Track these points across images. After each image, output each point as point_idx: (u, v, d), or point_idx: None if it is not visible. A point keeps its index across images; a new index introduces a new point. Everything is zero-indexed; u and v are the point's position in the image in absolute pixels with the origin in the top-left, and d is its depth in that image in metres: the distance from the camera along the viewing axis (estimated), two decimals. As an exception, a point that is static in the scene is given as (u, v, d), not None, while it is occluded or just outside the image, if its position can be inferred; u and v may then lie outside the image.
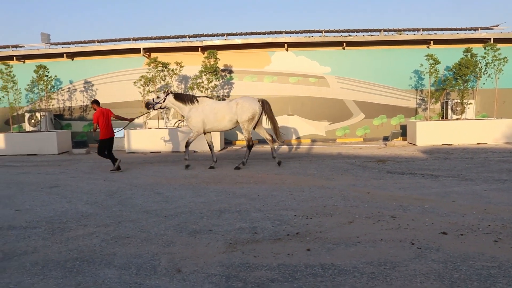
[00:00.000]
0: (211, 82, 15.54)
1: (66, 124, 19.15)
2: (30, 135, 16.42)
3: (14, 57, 19.26)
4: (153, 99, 11.34)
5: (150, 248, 4.70)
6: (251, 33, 18.75)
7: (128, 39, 20.04)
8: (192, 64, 17.30)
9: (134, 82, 16.04)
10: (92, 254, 4.60)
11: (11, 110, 17.63)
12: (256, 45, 17.71)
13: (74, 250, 4.76)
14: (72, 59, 19.12)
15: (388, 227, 5.19)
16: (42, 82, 17.12)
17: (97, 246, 4.85)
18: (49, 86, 17.49)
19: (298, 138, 17.77)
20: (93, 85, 18.82)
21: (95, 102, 11.09)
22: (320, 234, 4.99)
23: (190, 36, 19.39)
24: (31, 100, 18.76)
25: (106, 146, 10.97)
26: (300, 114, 17.66)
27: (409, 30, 17.73)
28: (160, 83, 16.05)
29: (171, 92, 11.15)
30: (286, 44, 17.48)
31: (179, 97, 11.06)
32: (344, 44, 17.35)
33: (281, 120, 17.52)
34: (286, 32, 18.11)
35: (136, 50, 18.17)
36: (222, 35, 19.22)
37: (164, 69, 15.61)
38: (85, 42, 20.56)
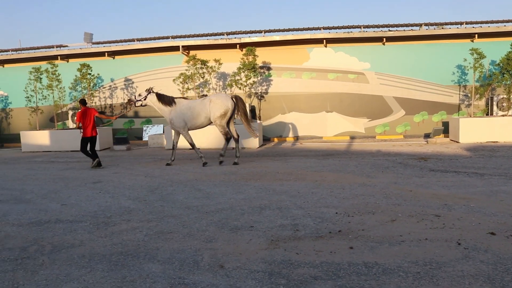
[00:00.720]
0: (250, 79, 15.57)
1: (107, 121, 19.61)
2: (73, 132, 16.90)
3: (59, 57, 19.87)
4: (135, 96, 11.61)
5: (193, 243, 4.76)
6: (289, 30, 18.69)
7: (167, 37, 20.33)
8: (231, 61, 17.38)
9: (173, 80, 16.27)
10: (136, 248, 4.69)
11: (55, 107, 18.21)
12: (294, 42, 17.64)
13: (118, 244, 4.86)
14: (113, 58, 19.57)
15: (432, 226, 5.06)
16: (85, 80, 17.60)
17: (141, 241, 4.94)
18: (91, 84, 17.95)
19: (337, 135, 17.60)
20: (133, 82, 19.20)
21: (82, 101, 11.54)
22: (363, 232, 4.93)
23: (228, 34, 19.50)
24: (74, 98, 19.29)
25: (87, 143, 11.46)
26: (338, 110, 17.48)
27: (451, 23, 17.26)
28: (199, 80, 16.22)
29: (152, 91, 11.37)
30: (324, 40, 17.33)
31: (161, 98, 11.28)
32: (384, 39, 17.05)
33: (320, 117, 17.41)
34: (324, 28, 17.96)
35: (175, 48, 18.41)
36: (260, 32, 19.23)
37: (203, 66, 15.75)
38: (125, 40, 21.00)
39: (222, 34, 19.85)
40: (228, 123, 10.97)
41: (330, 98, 17.47)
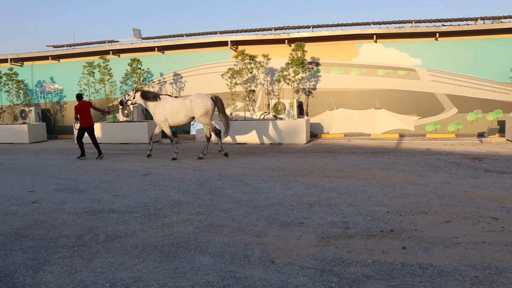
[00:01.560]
0: (298, 74, 15.47)
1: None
2: (124, 125, 17.38)
3: (110, 52, 20.41)
4: (124, 96, 12.47)
5: (243, 238, 4.79)
6: (338, 25, 18.43)
7: (215, 32, 20.48)
8: (279, 57, 17.32)
9: (222, 75, 16.37)
10: (187, 240, 4.77)
11: (107, 101, 18.74)
12: (343, 37, 17.37)
13: (169, 236, 4.96)
14: (163, 53, 19.91)
15: (490, 229, 4.88)
16: (135, 74, 18.02)
17: (191, 233, 5.02)
18: (141, 79, 18.36)
19: (386, 132, 17.23)
20: (182, 77, 19.48)
21: (78, 96, 12.69)
22: (416, 232, 4.81)
23: (276, 29, 19.42)
24: (124, 91, 19.76)
25: (83, 134, 12.52)
26: (388, 107, 17.11)
27: (510, 17, 16.51)
28: (247, 75, 16.26)
29: (139, 90, 12.26)
30: (375, 36, 16.97)
31: (144, 94, 12.15)
32: (437, 34, 16.52)
33: (368, 114, 17.11)
34: (374, 23, 17.59)
35: (223, 43, 18.52)
36: (308, 27, 19.05)
37: (251, 61, 15.78)
38: (174, 36, 21.31)
39: (270, 29, 19.80)
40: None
41: (379, 95, 17.11)
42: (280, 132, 14.97)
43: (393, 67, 16.96)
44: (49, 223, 5.70)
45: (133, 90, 12.32)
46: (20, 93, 20.85)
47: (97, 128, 17.47)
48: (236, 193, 7.11)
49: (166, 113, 11.75)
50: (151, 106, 12.02)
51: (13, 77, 20.52)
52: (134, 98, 12.19)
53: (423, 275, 3.66)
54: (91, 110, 12.55)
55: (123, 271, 3.95)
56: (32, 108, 20.49)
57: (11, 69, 21.05)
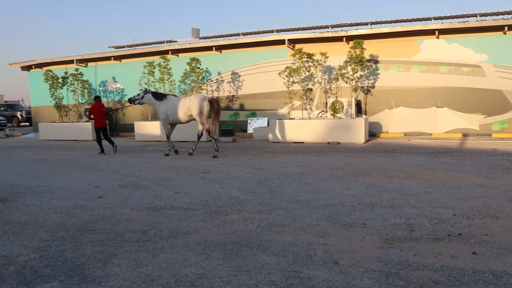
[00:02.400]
0: (356, 72, 15.21)
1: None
2: (182, 124, 17.71)
3: (170, 51, 20.92)
4: (134, 96, 13.64)
5: (305, 237, 4.76)
6: (397, 21, 17.96)
7: (272, 31, 20.52)
8: (336, 55, 17.07)
9: (279, 73, 16.36)
10: (249, 239, 4.80)
11: (166, 99, 19.22)
12: (403, 33, 16.88)
13: (231, 234, 5.01)
14: (220, 52, 20.16)
15: None
16: (194, 73, 18.36)
17: (253, 232, 5.05)
18: (199, 78, 18.69)
19: (448, 131, 16.61)
20: (239, 76, 19.65)
21: (97, 98, 14.06)
22: (486, 237, 4.60)
23: (333, 26, 19.19)
24: (183, 90, 20.18)
25: (100, 134, 13.84)
26: (450, 106, 16.48)
27: None
28: (304, 73, 16.15)
29: (150, 91, 13.31)
30: (436, 31, 16.39)
31: (155, 95, 13.21)
32: (506, 28, 15.71)
33: (429, 112, 16.57)
34: (435, 18, 16.99)
35: (280, 42, 18.50)
36: (366, 24, 18.69)
37: (309, 60, 15.67)
38: (231, 35, 21.56)
39: (327, 27, 19.58)
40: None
41: (441, 93, 16.50)
42: (338, 131, 14.78)
43: (456, 64, 16.31)
44: (115, 218, 5.92)
45: (143, 91, 13.51)
46: (84, 92, 21.81)
47: (156, 126, 17.96)
48: (296, 192, 7.09)
49: (168, 111, 12.79)
50: (157, 104, 13.02)
51: (78, 77, 21.50)
52: (142, 98, 13.26)
53: (497, 283, 3.49)
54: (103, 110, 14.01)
55: (188, 267, 4.03)
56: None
57: (77, 69, 22.07)
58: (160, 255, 4.38)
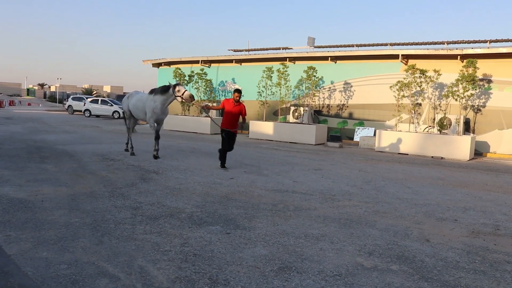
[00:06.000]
0: (467, 91, 15.59)
1: (323, 119, 21.60)
2: (294, 126, 19.24)
3: (287, 59, 22.58)
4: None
5: (404, 222, 5.92)
6: (519, 41, 17.94)
7: (385, 44, 21.37)
8: (449, 72, 17.46)
9: (390, 86, 17.19)
10: (358, 218, 6.05)
11: (280, 103, 20.87)
12: (522, 55, 16.84)
13: (344, 214, 6.30)
14: (335, 62, 21.39)
15: None
16: (309, 81, 19.80)
17: (361, 214, 6.29)
18: (314, 85, 20.08)
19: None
20: (351, 86, 20.73)
21: (238, 91, 10.30)
22: None
23: (448, 43, 19.59)
24: (297, 96, 21.69)
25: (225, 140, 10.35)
26: None
27: None
28: (415, 88, 16.82)
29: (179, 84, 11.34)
30: (558, 56, 16.21)
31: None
32: None
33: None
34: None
35: (394, 56, 19.27)
36: (485, 42, 18.82)
37: (421, 75, 16.32)
38: (345, 46, 22.75)
39: (442, 43, 20.01)
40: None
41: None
42: (443, 146, 15.31)
43: None
44: (248, 194, 7.45)
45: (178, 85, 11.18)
46: (207, 90, 24.24)
47: (270, 126, 19.65)
48: (398, 192, 8.18)
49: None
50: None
51: (203, 76, 23.96)
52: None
53: (559, 268, 4.41)
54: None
55: (312, 230, 5.39)
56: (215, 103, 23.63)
57: (202, 69, 24.58)
58: (290, 220, 5.80)
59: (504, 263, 4.49)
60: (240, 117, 10.44)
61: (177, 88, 10.98)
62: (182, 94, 10.89)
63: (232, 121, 10.26)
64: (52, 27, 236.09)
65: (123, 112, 13.02)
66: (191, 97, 10.89)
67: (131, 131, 12.62)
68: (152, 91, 11.64)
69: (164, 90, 11.24)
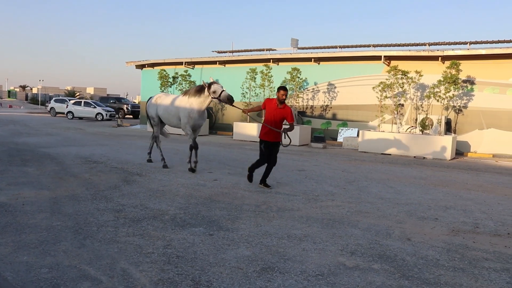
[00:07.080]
0: (449, 92, 15.80)
1: (307, 120, 21.69)
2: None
3: (271, 60, 22.65)
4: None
5: (386, 222, 5.99)
6: (498, 41, 18.24)
7: (368, 46, 21.57)
8: (430, 73, 17.66)
9: (373, 87, 17.37)
10: (341, 218, 6.11)
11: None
12: (502, 56, 17.10)
13: (327, 214, 6.35)
14: (319, 63, 21.52)
15: None
16: (293, 82, 19.89)
17: (344, 214, 6.35)
18: (298, 86, 20.18)
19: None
20: (335, 87, 20.87)
21: (283, 87, 8.15)
22: (540, 238, 5.53)
23: (430, 44, 19.84)
24: (281, 97, 21.74)
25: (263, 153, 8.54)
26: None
27: None
28: (397, 89, 17.01)
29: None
30: (537, 56, 16.51)
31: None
32: None
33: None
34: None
35: (376, 58, 19.47)
36: (465, 43, 19.13)
37: (403, 76, 16.51)
38: (328, 47, 22.94)
39: (424, 44, 20.24)
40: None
41: (536, 118, 16.60)
42: (425, 146, 15.50)
43: (555, 90, 16.33)
44: (232, 195, 7.47)
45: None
46: (191, 92, 24.18)
47: (253, 127, 19.64)
48: (381, 192, 8.27)
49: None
50: None
51: (187, 78, 23.92)
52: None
53: (535, 265, 4.51)
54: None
55: (295, 230, 5.43)
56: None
57: (186, 71, 24.54)
58: (273, 221, 5.83)
59: (482, 260, 4.57)
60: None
61: (212, 88, 9.34)
62: (219, 96, 9.25)
63: (273, 130, 8.17)
64: (33, 28, 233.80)
65: (148, 118, 11.45)
66: (230, 98, 9.22)
67: (158, 139, 11.22)
68: (186, 93, 10.19)
69: (198, 90, 9.69)
